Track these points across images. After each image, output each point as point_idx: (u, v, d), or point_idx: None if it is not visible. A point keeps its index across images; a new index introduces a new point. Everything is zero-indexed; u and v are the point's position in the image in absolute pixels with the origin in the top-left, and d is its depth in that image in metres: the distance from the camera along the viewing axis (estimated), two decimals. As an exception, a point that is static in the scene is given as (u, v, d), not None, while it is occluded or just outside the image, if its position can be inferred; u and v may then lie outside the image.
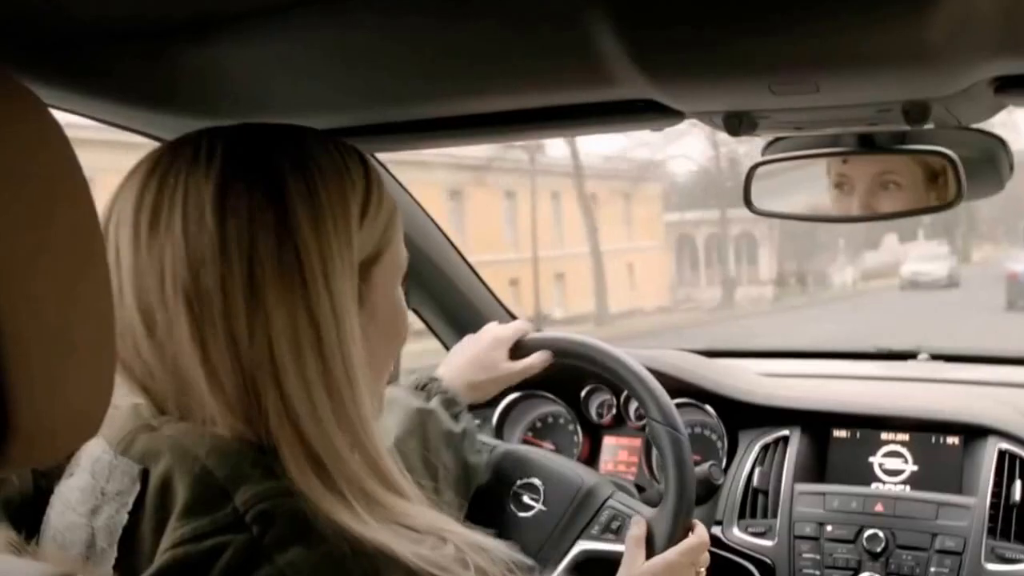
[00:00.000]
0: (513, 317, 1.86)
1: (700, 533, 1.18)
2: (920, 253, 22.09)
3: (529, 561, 0.75)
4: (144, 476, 0.62)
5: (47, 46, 0.83)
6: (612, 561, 1.17)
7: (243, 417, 0.63)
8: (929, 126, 1.01)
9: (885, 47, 0.78)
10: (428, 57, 0.90)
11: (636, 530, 1.17)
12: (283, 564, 0.56)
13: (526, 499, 1.30)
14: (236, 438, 0.62)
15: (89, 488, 0.64)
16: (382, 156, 1.48)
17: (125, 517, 0.61)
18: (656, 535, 1.17)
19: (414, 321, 1.76)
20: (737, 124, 0.98)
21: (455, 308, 1.75)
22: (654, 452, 1.56)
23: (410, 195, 1.59)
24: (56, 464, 0.69)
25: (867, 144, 1.13)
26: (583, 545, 1.25)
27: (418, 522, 0.64)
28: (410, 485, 0.68)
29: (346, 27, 0.83)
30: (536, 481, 1.30)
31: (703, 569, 1.17)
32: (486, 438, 1.45)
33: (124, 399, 0.68)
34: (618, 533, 1.24)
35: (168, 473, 0.61)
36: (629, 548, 1.15)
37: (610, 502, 1.27)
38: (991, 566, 1.31)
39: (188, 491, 0.59)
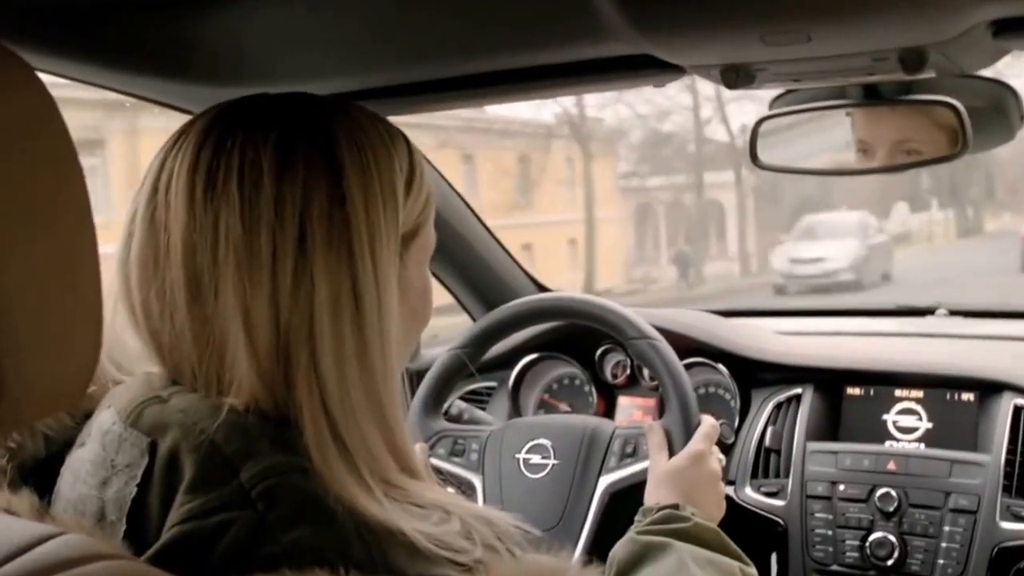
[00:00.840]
0: (536, 284, 1.89)
1: (708, 421, 1.21)
2: (822, 223, 17.06)
3: (538, 532, 0.76)
4: (152, 448, 0.63)
5: (61, 19, 0.85)
6: (640, 483, 1.20)
7: (270, 384, 0.63)
8: (930, 74, 1.00)
9: None
10: (433, 17, 0.92)
11: (654, 436, 1.19)
12: (287, 543, 0.57)
13: (537, 460, 1.32)
14: (252, 410, 0.63)
15: (99, 460, 0.65)
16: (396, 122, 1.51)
17: (134, 489, 0.62)
18: (672, 435, 1.19)
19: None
20: (734, 77, 0.98)
21: (477, 275, 1.78)
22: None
23: (428, 162, 1.61)
24: (68, 433, 0.71)
25: (872, 95, 1.12)
26: (607, 479, 1.26)
27: (425, 498, 0.65)
28: (427, 468, 0.70)
29: None
30: (542, 440, 1.32)
31: (722, 457, 1.20)
32: (488, 416, 1.48)
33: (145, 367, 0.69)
34: (635, 454, 1.26)
35: (175, 446, 0.61)
36: (652, 455, 1.17)
37: (617, 432, 1.30)
38: (1006, 524, 1.31)
39: (195, 466, 0.60)
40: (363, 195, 0.67)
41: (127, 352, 0.72)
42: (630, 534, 1.00)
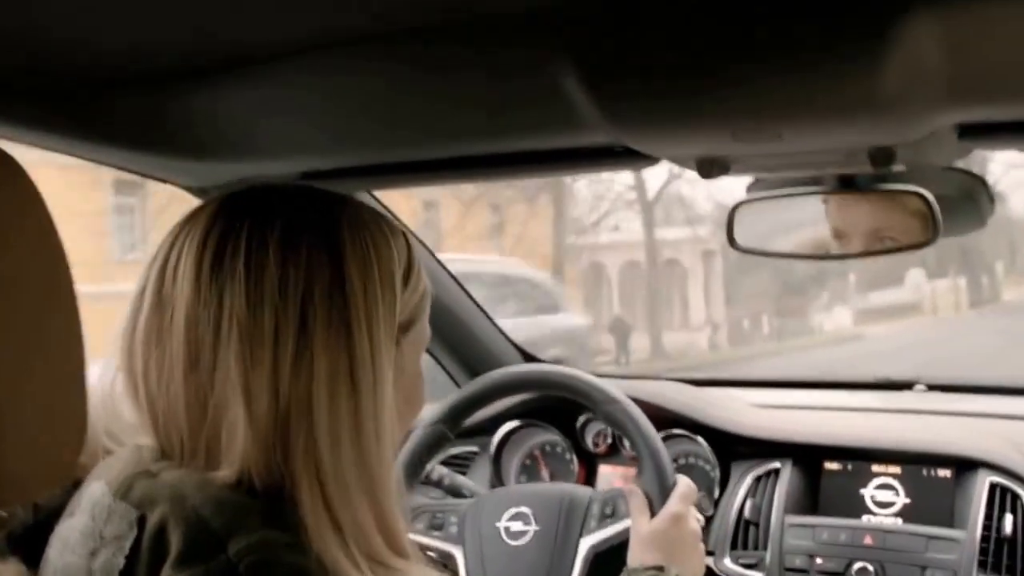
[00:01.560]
0: (521, 352, 1.90)
1: (684, 481, 1.23)
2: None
3: None
4: (141, 522, 0.64)
5: (45, 93, 0.88)
6: (622, 542, 1.21)
7: (267, 456, 0.65)
8: (901, 168, 1.03)
9: (841, 97, 0.81)
10: (412, 103, 0.95)
11: (634, 499, 1.21)
12: None
13: (518, 527, 1.33)
14: (243, 484, 0.65)
15: (88, 531, 0.66)
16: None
17: (121, 561, 0.63)
18: (650, 496, 1.22)
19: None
20: (709, 167, 1.01)
21: (461, 342, 1.80)
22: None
23: (412, 233, 1.64)
24: (58, 501, 0.72)
25: (846, 183, 1.15)
26: (589, 540, 1.27)
27: (407, 572, 0.67)
28: (413, 547, 0.71)
29: (334, 74, 0.88)
30: (522, 508, 1.33)
31: (701, 517, 1.21)
32: (466, 484, 1.49)
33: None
34: (614, 515, 1.27)
35: (163, 520, 0.63)
36: (634, 516, 1.19)
37: (594, 495, 1.32)
38: (982, 599, 1.32)
39: (182, 539, 0.61)
40: (362, 280, 0.70)
41: (122, 424, 0.74)
42: None
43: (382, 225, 0.75)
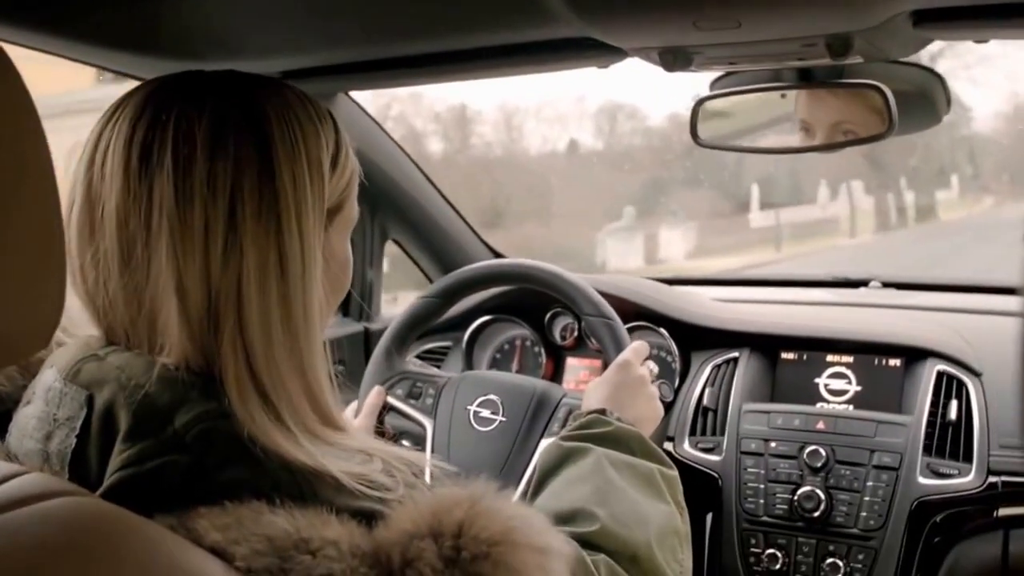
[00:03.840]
0: (492, 251, 1.94)
1: (639, 341, 1.26)
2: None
3: (453, 468, 0.81)
4: (90, 401, 0.66)
5: None
6: None
7: (200, 346, 0.67)
8: (858, 60, 1.06)
9: None
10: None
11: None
12: (223, 481, 0.61)
13: (486, 414, 1.38)
14: (183, 368, 0.67)
15: (43, 415, 0.69)
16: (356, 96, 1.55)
17: (73, 441, 0.66)
18: None
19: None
20: (672, 60, 1.04)
21: (436, 241, 1.84)
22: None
23: (383, 130, 1.65)
24: (17, 392, 0.75)
25: (805, 78, 1.18)
26: (547, 443, 1.31)
27: (347, 445, 0.70)
28: (365, 421, 0.75)
29: None
30: (493, 396, 1.38)
31: (654, 367, 1.25)
32: (441, 372, 1.54)
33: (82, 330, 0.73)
34: None
35: (112, 399, 0.65)
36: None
37: (564, 400, 1.37)
38: (925, 480, 1.39)
39: (130, 416, 0.63)
40: (291, 170, 0.70)
41: (71, 317, 0.75)
42: (555, 439, 1.05)
43: (309, 110, 0.75)
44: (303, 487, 0.63)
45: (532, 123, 17.37)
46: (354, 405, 1.37)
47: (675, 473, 1.05)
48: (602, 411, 1.07)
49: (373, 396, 1.36)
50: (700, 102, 1.24)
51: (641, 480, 0.99)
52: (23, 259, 0.49)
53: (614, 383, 1.16)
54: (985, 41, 1.01)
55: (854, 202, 16.67)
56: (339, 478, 0.64)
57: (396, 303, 2.01)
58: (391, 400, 1.40)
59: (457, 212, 1.85)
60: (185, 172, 0.67)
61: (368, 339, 1.82)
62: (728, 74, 1.23)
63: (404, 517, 0.62)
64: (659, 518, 0.96)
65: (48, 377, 0.70)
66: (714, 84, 1.25)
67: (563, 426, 1.33)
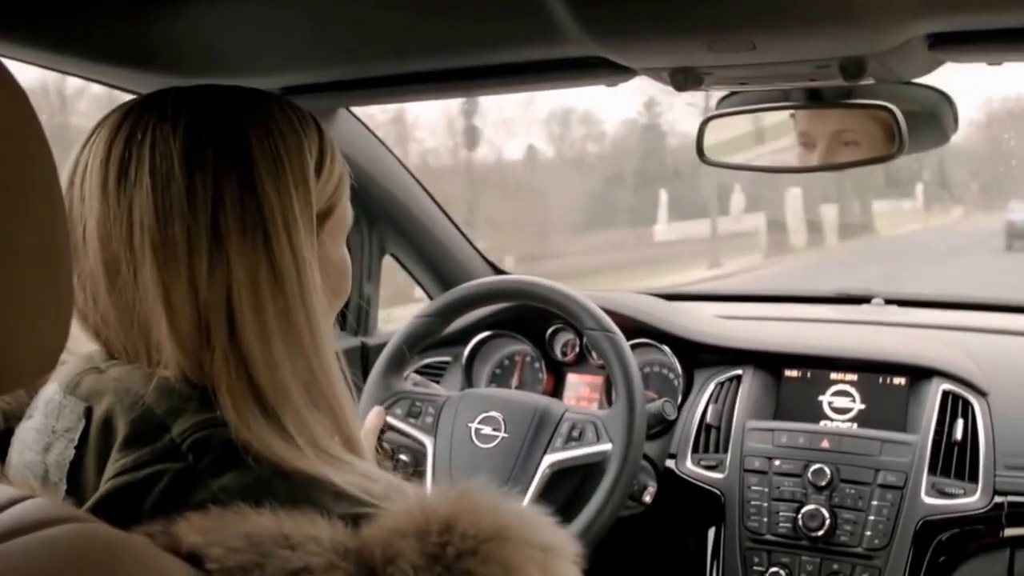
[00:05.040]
0: (493, 266, 1.93)
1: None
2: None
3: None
4: (88, 413, 0.66)
5: (26, 5, 0.86)
6: (579, 466, 1.26)
7: (194, 357, 0.66)
8: (869, 81, 1.05)
9: (815, 6, 0.82)
10: (390, 15, 0.94)
11: None
12: (216, 488, 0.60)
13: (488, 431, 1.37)
14: (180, 379, 0.66)
15: (42, 428, 0.68)
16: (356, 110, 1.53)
17: (72, 452, 0.65)
18: (617, 425, 1.27)
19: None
20: (683, 80, 1.02)
21: (435, 256, 1.82)
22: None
23: (384, 145, 1.64)
24: (22, 408, 0.74)
25: (814, 98, 1.17)
26: (550, 458, 1.33)
27: (353, 465, 0.67)
28: (365, 443, 0.73)
29: None
30: (495, 413, 1.37)
31: None
32: (442, 390, 1.53)
33: (84, 347, 0.72)
34: (580, 439, 1.33)
35: (110, 410, 0.65)
36: None
37: (567, 415, 1.36)
38: (930, 500, 1.38)
39: (128, 425, 0.63)
40: (274, 180, 0.68)
41: (74, 335, 0.74)
42: None
43: (290, 116, 0.73)
44: (297, 492, 0.61)
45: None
46: (379, 409, 1.36)
47: None
48: None
49: (372, 417, 1.34)
50: (707, 120, 1.22)
51: None
52: (30, 282, 0.48)
53: None
54: (999, 64, 1.00)
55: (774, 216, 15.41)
56: (339, 485, 0.62)
57: (392, 318, 1.99)
58: (391, 420, 1.39)
59: (457, 227, 1.84)
60: (164, 188, 0.66)
61: (365, 354, 1.80)
62: (735, 92, 1.22)
63: (390, 515, 0.60)
64: None
65: (49, 391, 0.70)
66: (721, 102, 1.24)
67: (566, 442, 1.32)
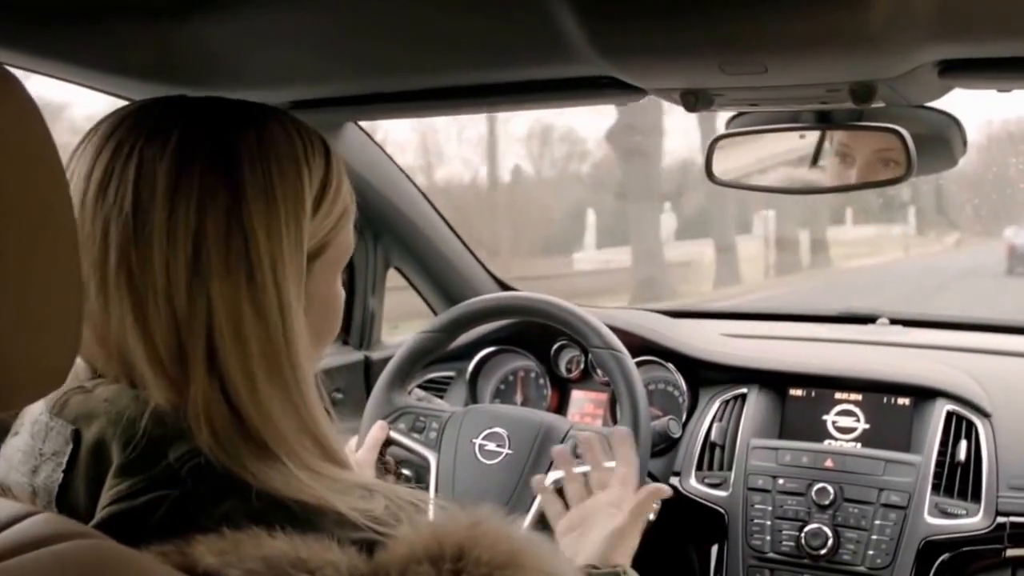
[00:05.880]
0: (498, 282, 1.93)
1: (651, 488, 1.20)
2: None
3: (458, 504, 0.79)
4: (76, 436, 0.64)
5: (33, 15, 0.86)
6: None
7: (176, 385, 0.63)
8: (879, 105, 1.06)
9: (827, 31, 0.83)
10: (401, 32, 0.94)
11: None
12: (219, 515, 0.58)
13: (492, 447, 1.37)
14: (169, 403, 0.64)
15: (29, 449, 0.66)
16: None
17: (60, 476, 0.63)
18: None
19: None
20: (694, 101, 1.03)
21: (440, 271, 1.82)
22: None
23: (391, 159, 1.64)
24: (9, 423, 0.72)
25: (824, 120, 1.17)
26: (554, 475, 1.31)
27: (349, 481, 0.66)
28: (367, 456, 0.72)
29: (324, 2, 0.87)
30: (499, 429, 1.37)
31: (652, 516, 1.22)
32: (446, 405, 1.53)
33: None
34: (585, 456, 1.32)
35: (102, 433, 0.63)
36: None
37: (572, 432, 1.36)
38: (933, 520, 1.38)
39: (123, 451, 0.61)
40: (264, 217, 0.64)
41: None
42: None
43: (294, 139, 0.68)
44: (303, 520, 0.60)
45: (452, 146, 15.49)
46: (355, 440, 1.35)
47: None
48: (616, 567, 1.04)
49: (375, 431, 1.34)
50: (716, 140, 1.23)
51: None
52: (40, 298, 0.48)
53: (630, 545, 1.11)
54: (1008, 91, 1.01)
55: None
56: (341, 511, 0.61)
57: (397, 331, 1.99)
58: (394, 435, 1.38)
59: (463, 242, 1.84)
60: (144, 214, 0.62)
61: (369, 368, 1.80)
62: (744, 112, 1.23)
63: (404, 541, 0.60)
64: None
65: (35, 410, 0.68)
66: (731, 122, 1.25)
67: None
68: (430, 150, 14.49)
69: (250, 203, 0.64)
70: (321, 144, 0.71)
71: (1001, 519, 1.37)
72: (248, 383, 0.63)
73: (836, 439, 1.53)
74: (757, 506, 1.47)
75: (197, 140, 0.65)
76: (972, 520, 1.37)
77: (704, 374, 1.61)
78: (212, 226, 0.63)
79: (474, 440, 1.38)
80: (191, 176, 0.63)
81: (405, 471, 1.44)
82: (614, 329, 1.37)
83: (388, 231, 1.73)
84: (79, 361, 0.69)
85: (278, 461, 0.63)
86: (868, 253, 16.45)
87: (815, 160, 1.25)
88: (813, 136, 1.23)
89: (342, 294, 0.76)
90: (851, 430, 1.53)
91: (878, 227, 17.33)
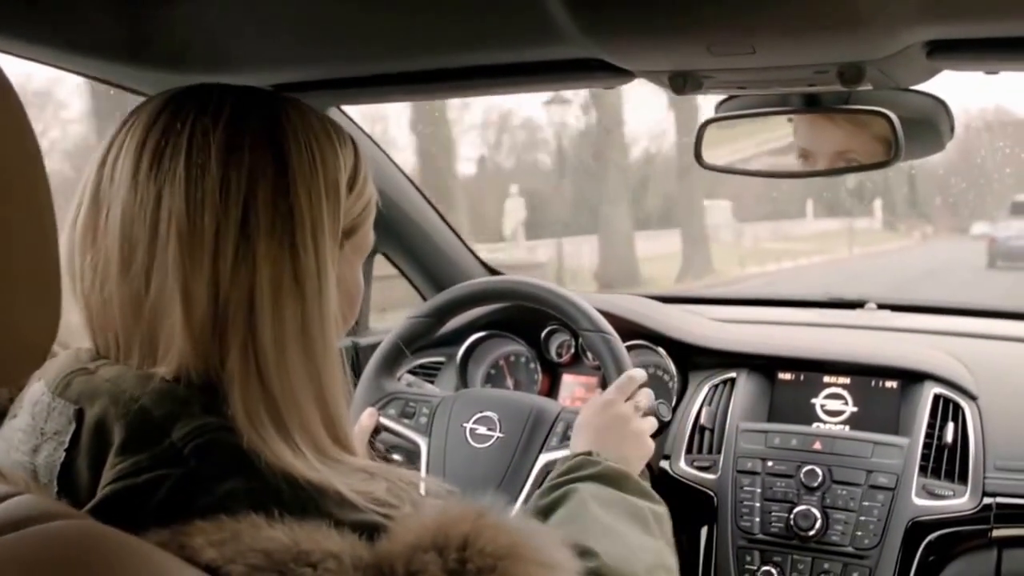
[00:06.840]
0: (487, 267, 1.93)
1: (626, 374, 1.25)
2: None
3: (450, 486, 0.81)
4: (79, 416, 0.65)
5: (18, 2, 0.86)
6: None
7: (204, 355, 0.66)
8: (867, 87, 1.06)
9: (815, 11, 0.83)
10: (383, 13, 0.94)
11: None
12: (221, 494, 0.59)
13: (483, 431, 1.37)
14: (181, 379, 0.65)
15: (30, 429, 0.68)
16: (350, 110, 1.53)
17: (62, 454, 0.65)
18: None
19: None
20: (682, 83, 1.03)
21: (428, 256, 1.82)
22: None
23: (379, 146, 1.64)
24: (3, 406, 0.73)
25: (812, 103, 1.17)
26: (547, 457, 1.32)
27: (353, 465, 0.68)
28: (357, 443, 0.73)
29: None
30: (490, 413, 1.37)
31: (640, 403, 1.23)
32: (436, 390, 1.53)
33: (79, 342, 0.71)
34: None
35: (104, 413, 0.64)
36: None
37: (562, 415, 1.36)
38: (920, 501, 1.40)
39: (124, 429, 0.62)
40: (307, 186, 0.69)
41: (69, 329, 0.73)
42: (545, 483, 1.05)
43: (329, 130, 0.74)
44: (305, 500, 0.61)
45: (403, 133, 14.53)
46: (371, 410, 1.36)
47: (664, 510, 1.04)
48: (588, 453, 1.07)
49: (365, 418, 1.34)
50: (705, 124, 1.23)
51: (632, 518, 0.99)
52: (18, 279, 0.48)
53: (598, 425, 1.16)
54: (996, 72, 1.01)
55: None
56: (343, 492, 0.63)
57: (386, 316, 1.99)
58: (384, 421, 1.38)
59: (451, 227, 1.84)
60: (198, 180, 0.66)
61: (357, 354, 1.80)
62: (733, 96, 1.23)
63: (408, 529, 0.61)
64: (650, 555, 0.95)
65: (36, 390, 0.69)
66: (720, 106, 1.25)
67: (562, 440, 1.32)
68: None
69: (295, 172, 0.69)
70: (349, 139, 0.77)
71: (987, 500, 1.38)
72: (278, 354, 0.66)
73: (825, 422, 1.54)
74: (746, 488, 1.48)
75: (246, 113, 0.70)
76: (959, 501, 1.39)
77: (694, 358, 1.62)
78: (262, 192, 0.67)
79: (465, 424, 1.38)
80: (242, 145, 0.68)
81: (396, 456, 1.44)
82: (604, 313, 1.38)
83: (375, 216, 1.73)
84: (90, 343, 0.71)
85: (290, 437, 0.65)
86: (817, 250, 15.57)
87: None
88: (804, 133, 1.23)
89: (363, 285, 0.80)
90: (839, 413, 1.54)
91: (840, 220, 16.56)
